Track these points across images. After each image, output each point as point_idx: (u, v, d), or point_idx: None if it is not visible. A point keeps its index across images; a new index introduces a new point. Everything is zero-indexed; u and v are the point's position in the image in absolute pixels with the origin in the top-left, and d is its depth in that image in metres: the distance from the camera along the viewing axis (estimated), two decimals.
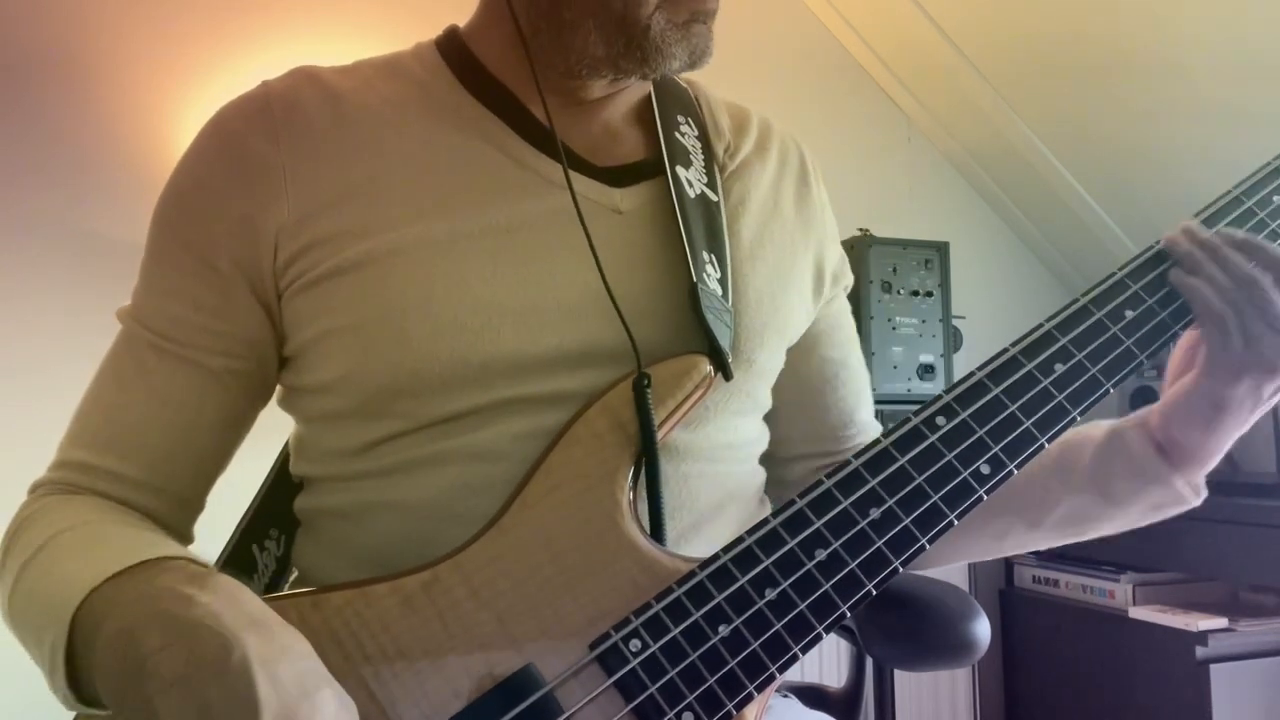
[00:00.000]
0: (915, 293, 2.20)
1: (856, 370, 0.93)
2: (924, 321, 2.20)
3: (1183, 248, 0.76)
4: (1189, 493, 0.79)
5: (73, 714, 0.62)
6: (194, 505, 0.75)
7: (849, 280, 0.93)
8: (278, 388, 0.78)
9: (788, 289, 0.82)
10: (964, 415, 0.69)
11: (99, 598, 0.57)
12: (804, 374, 0.88)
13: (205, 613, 0.53)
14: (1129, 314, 0.74)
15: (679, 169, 0.78)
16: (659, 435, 0.69)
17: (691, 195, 0.77)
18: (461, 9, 0.82)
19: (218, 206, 0.71)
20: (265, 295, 0.72)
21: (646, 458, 0.67)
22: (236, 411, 0.75)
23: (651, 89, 0.83)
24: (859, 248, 2.17)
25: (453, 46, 0.79)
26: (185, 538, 0.75)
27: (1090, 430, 0.83)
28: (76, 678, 0.58)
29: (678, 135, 0.81)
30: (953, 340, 2.24)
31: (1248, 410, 0.75)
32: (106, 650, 0.54)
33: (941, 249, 2.24)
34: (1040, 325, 0.73)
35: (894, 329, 2.18)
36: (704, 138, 0.83)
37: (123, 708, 0.53)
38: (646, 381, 0.68)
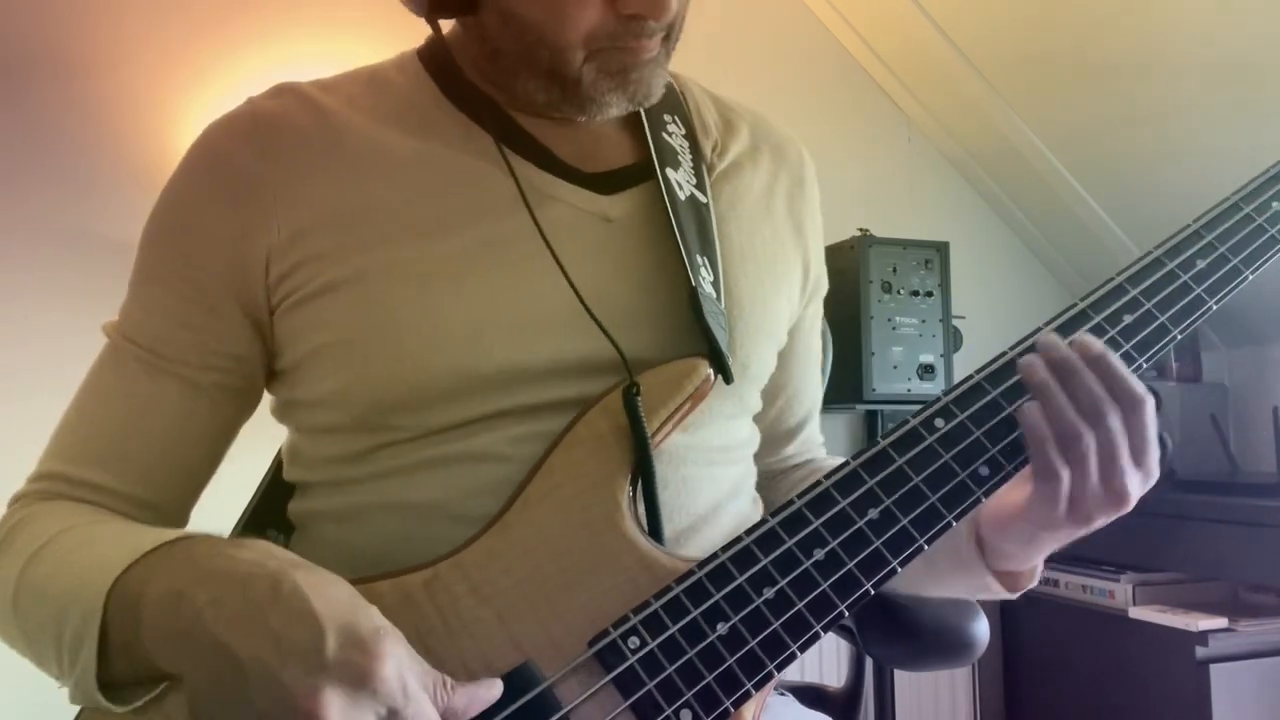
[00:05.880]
0: (915, 293, 2.20)
1: (816, 383, 0.95)
2: (924, 321, 2.20)
3: (1038, 376, 0.67)
4: (998, 588, 0.76)
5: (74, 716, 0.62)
6: (176, 520, 0.74)
7: (825, 287, 0.92)
8: (272, 400, 0.78)
9: (778, 291, 0.82)
10: (962, 417, 0.69)
11: (135, 573, 0.58)
12: (772, 377, 0.87)
13: (251, 562, 0.56)
14: (1127, 319, 0.72)
15: (669, 171, 0.77)
16: (661, 437, 0.69)
17: (682, 198, 0.76)
18: None
19: (205, 226, 0.71)
20: (256, 313, 0.72)
21: (641, 464, 0.67)
22: (223, 424, 0.74)
23: None
24: (859, 248, 2.16)
25: (434, 56, 0.79)
26: None
27: None
28: (105, 660, 0.58)
29: (665, 135, 0.80)
30: (953, 340, 2.23)
31: (1065, 537, 0.70)
32: (156, 612, 0.56)
33: (941, 249, 2.24)
34: (1039, 328, 0.72)
35: (894, 329, 2.17)
36: (691, 136, 0.82)
37: (185, 660, 0.54)
38: (636, 390, 0.68)
